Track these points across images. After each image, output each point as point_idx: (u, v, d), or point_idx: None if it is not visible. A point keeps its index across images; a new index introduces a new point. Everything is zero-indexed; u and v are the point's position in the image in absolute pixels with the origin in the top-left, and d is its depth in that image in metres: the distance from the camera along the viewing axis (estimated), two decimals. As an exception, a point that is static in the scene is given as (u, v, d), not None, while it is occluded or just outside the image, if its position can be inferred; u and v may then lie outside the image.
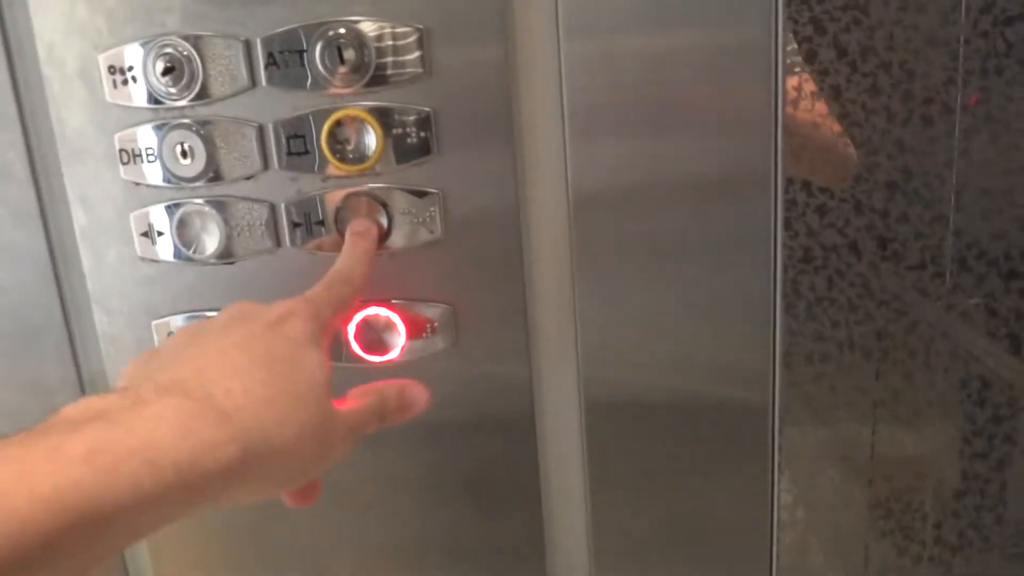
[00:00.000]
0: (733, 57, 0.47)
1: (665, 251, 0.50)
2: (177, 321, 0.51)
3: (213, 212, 0.49)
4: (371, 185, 0.48)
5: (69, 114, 0.49)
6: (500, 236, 0.50)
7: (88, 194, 0.50)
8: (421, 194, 0.48)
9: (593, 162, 0.49)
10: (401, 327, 0.49)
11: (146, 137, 0.48)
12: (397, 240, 0.49)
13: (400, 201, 0.48)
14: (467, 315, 0.51)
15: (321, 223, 0.49)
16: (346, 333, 0.49)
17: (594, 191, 0.49)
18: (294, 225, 0.49)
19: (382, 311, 0.49)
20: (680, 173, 0.49)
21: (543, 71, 0.48)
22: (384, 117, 0.47)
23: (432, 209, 0.49)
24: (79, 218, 0.51)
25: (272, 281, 0.50)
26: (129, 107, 0.48)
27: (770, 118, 0.48)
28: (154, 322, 0.51)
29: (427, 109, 0.47)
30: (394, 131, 0.47)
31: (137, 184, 0.49)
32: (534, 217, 0.50)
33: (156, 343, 0.52)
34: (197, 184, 0.49)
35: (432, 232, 0.49)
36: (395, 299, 0.50)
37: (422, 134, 0.47)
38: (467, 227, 0.49)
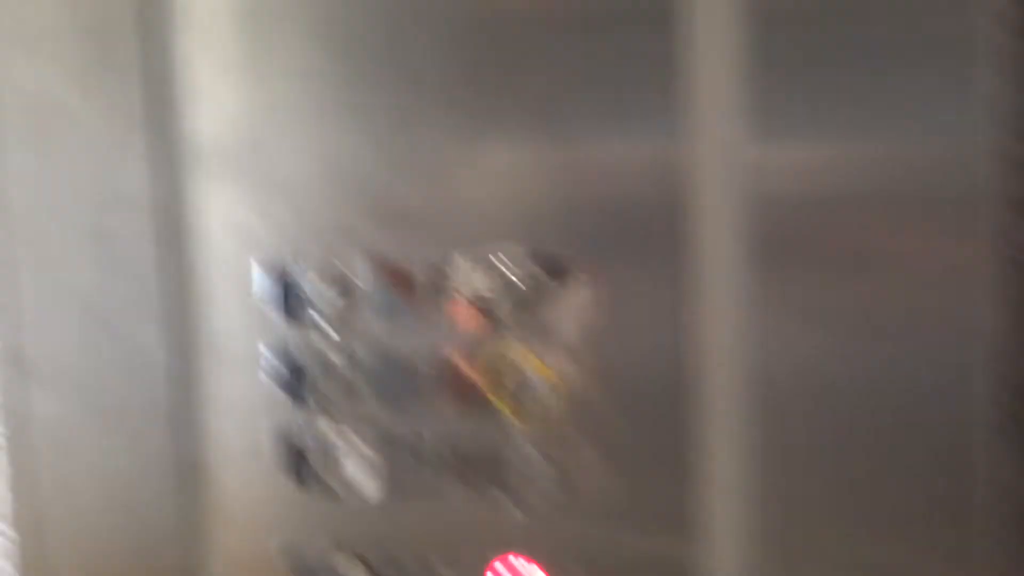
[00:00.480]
0: (944, 199, 0.37)
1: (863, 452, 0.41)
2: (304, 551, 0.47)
3: (360, 442, 0.45)
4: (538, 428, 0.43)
5: (219, 315, 0.47)
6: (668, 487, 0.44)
7: (228, 400, 0.47)
8: (589, 447, 0.43)
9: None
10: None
11: (295, 351, 0.45)
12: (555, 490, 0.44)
13: (567, 452, 0.43)
14: None
15: (484, 464, 0.44)
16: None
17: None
18: (451, 465, 0.44)
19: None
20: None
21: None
22: (550, 360, 0.43)
23: (596, 459, 0.43)
24: (216, 426, 0.48)
25: (426, 523, 0.45)
26: (280, 317, 0.46)
27: (986, 278, 0.37)
28: (277, 543, 0.47)
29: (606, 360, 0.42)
30: (562, 375, 0.43)
31: (280, 396, 0.46)
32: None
33: (276, 569, 0.47)
34: (345, 410, 0.45)
35: (598, 482, 0.43)
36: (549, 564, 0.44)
37: (592, 388, 0.42)
38: (634, 478, 0.44)
